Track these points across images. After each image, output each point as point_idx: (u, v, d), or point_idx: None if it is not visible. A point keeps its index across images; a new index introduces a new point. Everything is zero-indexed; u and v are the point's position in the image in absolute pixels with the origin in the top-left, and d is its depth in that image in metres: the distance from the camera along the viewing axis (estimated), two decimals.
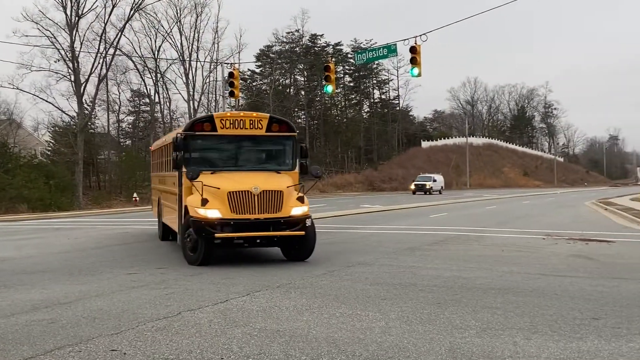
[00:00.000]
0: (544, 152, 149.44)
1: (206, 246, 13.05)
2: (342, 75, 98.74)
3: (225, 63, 49.37)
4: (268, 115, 14.86)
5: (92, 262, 14.23)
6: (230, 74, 29.02)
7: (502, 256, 14.93)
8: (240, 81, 38.10)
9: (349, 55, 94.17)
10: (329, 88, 26.79)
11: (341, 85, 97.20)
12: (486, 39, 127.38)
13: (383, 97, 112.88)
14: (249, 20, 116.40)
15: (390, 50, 25.68)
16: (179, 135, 13.96)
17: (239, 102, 54.33)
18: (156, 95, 66.79)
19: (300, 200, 13.58)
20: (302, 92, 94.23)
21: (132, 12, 51.62)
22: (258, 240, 13.22)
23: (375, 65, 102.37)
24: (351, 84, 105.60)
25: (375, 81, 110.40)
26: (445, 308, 8.96)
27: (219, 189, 13.00)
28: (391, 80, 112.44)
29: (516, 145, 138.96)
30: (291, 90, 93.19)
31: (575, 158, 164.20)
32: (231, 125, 14.10)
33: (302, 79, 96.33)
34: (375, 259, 14.38)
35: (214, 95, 69.50)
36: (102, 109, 66.65)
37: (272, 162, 14.79)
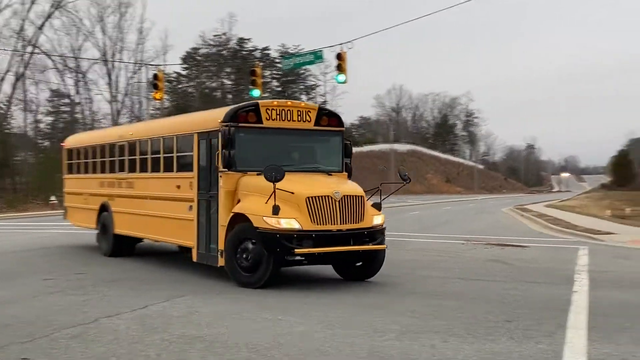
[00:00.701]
0: (465, 159, 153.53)
1: (275, 264, 10.70)
2: (269, 80, 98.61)
3: (150, 65, 48.55)
4: (317, 105, 12.85)
5: (7, 268, 13.71)
6: (155, 76, 28.53)
7: (423, 261, 15.26)
8: (166, 83, 37.58)
9: (277, 60, 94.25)
10: (256, 92, 26.70)
11: (268, 90, 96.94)
12: (414, 47, 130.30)
13: (310, 102, 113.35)
14: (175, 22, 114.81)
15: (317, 56, 25.89)
16: (224, 127, 11.27)
17: (163, 104, 53.49)
18: (77, 95, 64.88)
19: (377, 207, 11.83)
20: (229, 96, 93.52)
21: (52, 9, 50.03)
22: (341, 257, 11.19)
23: (302, 71, 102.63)
24: (278, 89, 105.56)
25: (302, 86, 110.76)
26: (367, 312, 9.09)
27: (292, 193, 10.62)
28: (318, 86, 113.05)
29: (439, 152, 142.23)
30: (218, 93, 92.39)
31: (494, 165, 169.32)
32: (277, 116, 11.83)
33: (229, 82, 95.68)
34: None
35: (138, 97, 68.09)
36: (19, 108, 64.12)
37: (321, 162, 12.60)
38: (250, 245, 10.74)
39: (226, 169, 11.29)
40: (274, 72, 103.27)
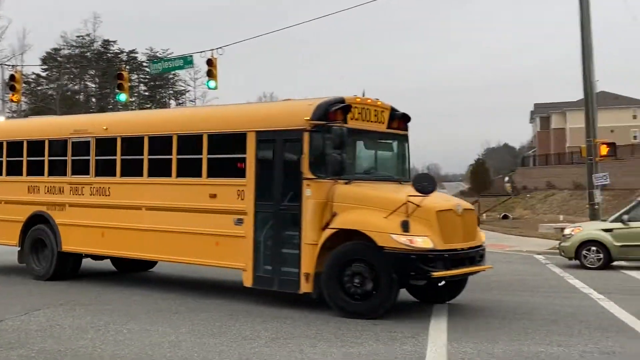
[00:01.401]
0: None
1: (397, 289, 9.19)
2: (137, 84, 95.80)
3: (6, 65, 45.65)
4: (390, 105, 10.78)
5: None
6: (12, 77, 26.85)
7: None
8: (24, 85, 35.53)
9: (144, 64, 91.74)
10: (123, 96, 25.87)
11: (136, 94, 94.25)
12: (286, 54, 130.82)
13: (180, 107, 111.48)
14: (35, 20, 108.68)
15: (187, 61, 25.49)
16: (314, 126, 9.44)
17: (21, 107, 50.50)
18: None
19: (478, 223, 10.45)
20: (94, 99, 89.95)
21: None
22: (458, 278, 9.80)
23: (171, 76, 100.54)
24: (146, 93, 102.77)
25: (171, 91, 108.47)
26: (237, 320, 9.06)
27: (418, 206, 9.01)
28: (188, 91, 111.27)
29: None
30: (81, 96, 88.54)
31: None
32: (359, 115, 10.07)
33: (94, 85, 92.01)
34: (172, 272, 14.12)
35: None
36: None
37: (392, 169, 11.03)
38: (363, 268, 9.00)
39: (315, 177, 9.45)
40: (142, 76, 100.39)
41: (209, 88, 24.74)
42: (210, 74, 23.49)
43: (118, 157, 11.49)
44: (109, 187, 11.60)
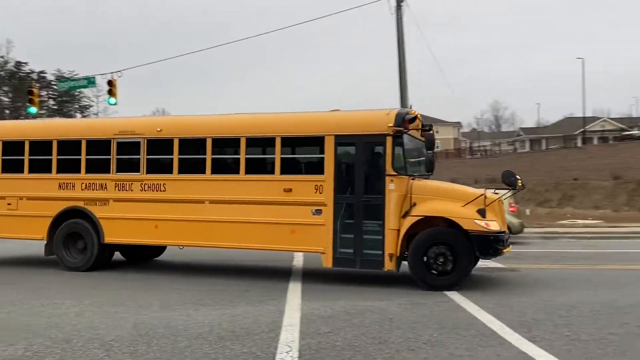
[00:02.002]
0: None
1: (472, 265, 9.38)
2: (46, 99, 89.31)
3: None
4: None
5: None
6: None
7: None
8: None
9: (53, 82, 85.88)
10: (33, 109, 24.34)
11: (45, 107, 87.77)
12: (181, 75, 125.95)
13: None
14: None
15: (90, 82, 24.64)
16: (397, 131, 9.27)
17: None
18: None
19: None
20: (7, 111, 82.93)
21: None
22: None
23: (77, 93, 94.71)
24: (55, 107, 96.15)
25: (77, 106, 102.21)
26: (134, 291, 8.92)
27: (485, 196, 9.13)
28: (92, 106, 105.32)
29: None
30: None
31: None
32: (411, 124, 10.03)
33: (7, 99, 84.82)
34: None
35: None
36: None
37: (423, 167, 10.55)
38: (445, 249, 8.98)
39: (397, 173, 9.26)
40: (51, 92, 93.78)
41: (110, 104, 24.16)
42: (111, 93, 22.68)
43: (175, 157, 10.52)
44: (164, 184, 10.59)
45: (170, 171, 10.56)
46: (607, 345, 5.95)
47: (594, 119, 70.53)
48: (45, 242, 11.20)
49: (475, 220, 8.95)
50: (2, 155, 11.75)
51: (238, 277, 10.36)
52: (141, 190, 10.73)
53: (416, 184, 9.40)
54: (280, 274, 10.67)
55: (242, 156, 10.05)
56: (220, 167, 10.40)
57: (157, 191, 10.64)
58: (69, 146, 11.32)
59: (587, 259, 12.94)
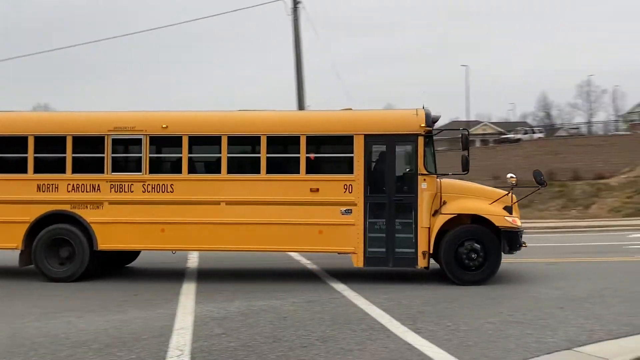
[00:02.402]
0: None
1: (500, 259, 9.40)
2: None
3: None
4: None
5: None
6: None
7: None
8: None
9: None
10: None
11: None
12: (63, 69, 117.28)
13: None
14: None
15: None
16: (428, 132, 9.38)
17: None
18: None
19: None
20: None
21: None
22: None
23: None
24: None
25: None
26: (8, 302, 8.28)
27: (508, 194, 9.53)
28: None
29: None
30: None
31: None
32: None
33: None
34: None
35: None
36: None
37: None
38: (475, 245, 9.19)
39: (428, 172, 9.32)
40: None
41: None
42: None
43: (184, 155, 9.71)
44: (171, 184, 9.72)
45: (178, 171, 9.78)
46: (483, 334, 6.40)
47: (476, 122, 75.53)
48: (20, 251, 9.81)
49: (505, 217, 9.30)
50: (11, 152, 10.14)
51: (127, 280, 9.96)
52: (143, 192, 9.74)
53: (445, 183, 9.62)
54: (173, 276, 10.39)
55: (263, 155, 9.57)
56: (238, 167, 9.84)
57: (163, 192, 9.73)
58: (51, 143, 10.03)
59: None
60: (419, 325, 6.74)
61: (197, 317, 7.19)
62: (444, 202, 9.40)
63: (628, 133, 58.49)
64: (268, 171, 9.56)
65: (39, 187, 9.84)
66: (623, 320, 6.89)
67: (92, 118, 10.33)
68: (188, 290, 8.99)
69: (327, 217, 9.42)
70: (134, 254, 11.61)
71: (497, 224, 9.24)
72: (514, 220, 9.38)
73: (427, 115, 9.53)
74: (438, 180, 9.55)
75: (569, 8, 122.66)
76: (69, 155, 9.83)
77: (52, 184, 9.87)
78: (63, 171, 9.85)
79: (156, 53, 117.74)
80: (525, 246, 9.60)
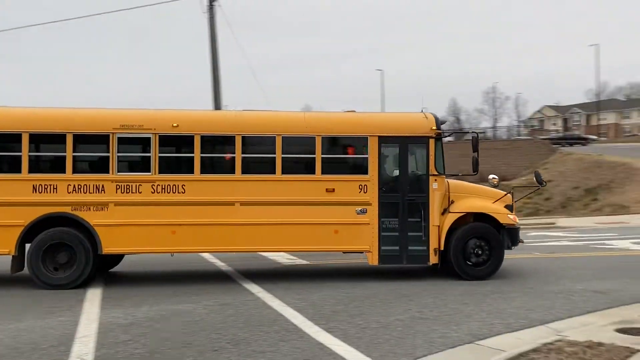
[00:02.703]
0: None
1: (504, 254, 9.91)
2: None
3: None
4: None
5: None
6: None
7: None
8: None
9: None
10: None
11: None
12: None
13: None
14: None
15: None
16: (438, 134, 9.86)
17: None
18: None
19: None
20: None
21: None
22: None
23: None
24: None
25: None
26: None
27: (508, 194, 10.42)
28: None
29: None
30: None
31: None
32: None
33: None
34: None
35: None
36: None
37: None
38: (480, 242, 9.75)
39: (439, 173, 9.75)
40: None
41: None
42: None
43: (197, 155, 9.41)
44: (182, 185, 9.38)
45: (190, 171, 9.47)
46: (392, 331, 6.59)
47: None
48: (12, 256, 9.13)
49: (508, 215, 9.94)
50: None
51: (26, 287, 9.35)
52: (153, 192, 9.34)
53: (452, 183, 10.15)
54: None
55: (278, 156, 9.55)
56: (252, 167, 9.68)
57: (174, 193, 9.40)
58: (48, 141, 9.40)
59: None
60: (331, 325, 6.82)
61: (101, 324, 6.87)
62: (452, 202, 9.90)
63: (529, 138, 62.54)
64: (283, 172, 9.58)
65: (34, 188, 9.15)
66: (521, 314, 7.33)
67: (95, 115, 9.67)
68: (93, 297, 8.58)
69: (343, 217, 9.63)
70: (119, 257, 11.06)
71: (501, 222, 9.86)
72: (514, 218, 10.03)
73: (437, 119, 10.01)
74: (448, 180, 10.09)
75: (480, 17, 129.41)
76: (69, 154, 9.22)
77: (50, 185, 9.19)
78: (63, 171, 9.22)
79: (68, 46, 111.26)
80: (523, 242, 10.33)
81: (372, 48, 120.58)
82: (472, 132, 10.52)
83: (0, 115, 9.42)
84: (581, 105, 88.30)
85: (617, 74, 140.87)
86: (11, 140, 9.20)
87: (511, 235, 9.93)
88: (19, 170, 9.14)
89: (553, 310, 7.53)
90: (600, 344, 5.64)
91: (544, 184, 10.75)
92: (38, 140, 9.36)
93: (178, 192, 9.41)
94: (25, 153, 9.14)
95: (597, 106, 76.67)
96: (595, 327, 6.41)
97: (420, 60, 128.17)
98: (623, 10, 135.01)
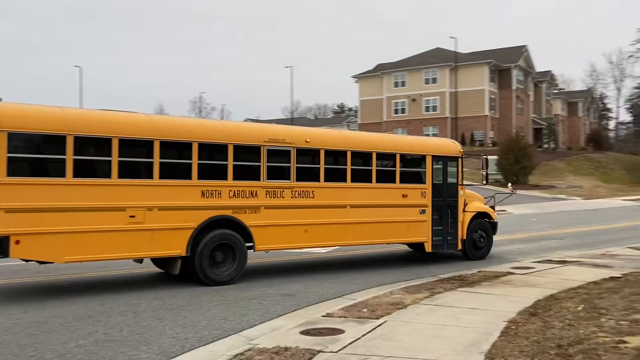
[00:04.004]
0: None
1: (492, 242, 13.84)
2: None
3: None
4: None
5: None
6: None
7: None
8: None
9: None
10: None
11: None
12: None
13: None
14: None
15: None
16: (463, 155, 13.64)
17: None
18: None
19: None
20: None
21: None
22: None
23: None
24: None
25: None
26: None
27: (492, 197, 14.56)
28: None
29: None
30: None
31: None
32: None
33: None
34: None
35: None
36: None
37: None
38: (482, 232, 13.42)
39: (462, 184, 13.20)
40: None
41: None
42: None
43: (322, 166, 11.26)
44: (312, 191, 11.11)
45: (317, 179, 11.20)
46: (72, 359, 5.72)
47: None
48: (181, 257, 9.58)
49: (495, 213, 13.88)
50: (120, 156, 8.96)
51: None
52: (292, 197, 10.86)
53: (465, 191, 13.30)
54: None
55: (374, 168, 11.96)
56: (357, 176, 11.74)
57: (306, 198, 11.05)
58: (213, 150, 10.07)
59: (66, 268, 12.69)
60: None
61: None
62: (466, 204, 13.27)
63: None
64: (377, 181, 12.01)
65: (203, 194, 9.85)
66: (215, 325, 7.21)
67: (249, 129, 11.30)
68: None
69: (412, 216, 12.43)
70: None
71: (493, 218, 13.71)
72: (495, 215, 13.87)
73: (459, 144, 13.66)
74: (464, 189, 13.33)
75: (189, 30, 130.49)
76: (230, 162, 10.13)
77: (216, 190, 9.99)
78: (225, 178, 10.08)
79: None
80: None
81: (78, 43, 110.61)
82: (483, 155, 14.44)
83: (175, 126, 9.92)
84: (278, 121, 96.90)
85: (307, 95, 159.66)
86: (183, 148, 9.74)
87: (495, 228, 13.79)
88: (189, 177, 9.69)
89: (247, 317, 7.62)
90: (286, 349, 5.82)
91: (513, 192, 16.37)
92: (204, 149, 9.90)
93: (309, 197, 11.09)
94: (195, 161, 9.74)
95: (292, 122, 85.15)
96: (283, 331, 6.64)
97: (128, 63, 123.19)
98: (312, 32, 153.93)
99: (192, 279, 9.86)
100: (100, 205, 8.75)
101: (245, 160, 10.41)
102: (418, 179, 12.66)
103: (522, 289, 9.24)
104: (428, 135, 63.74)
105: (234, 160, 10.10)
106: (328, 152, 11.33)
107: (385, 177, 12.17)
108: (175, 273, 9.82)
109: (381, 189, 12.00)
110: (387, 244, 13.12)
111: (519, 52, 65.30)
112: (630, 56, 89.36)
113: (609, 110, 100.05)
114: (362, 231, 11.66)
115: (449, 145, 13.37)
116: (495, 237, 13.92)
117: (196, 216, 9.69)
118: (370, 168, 11.86)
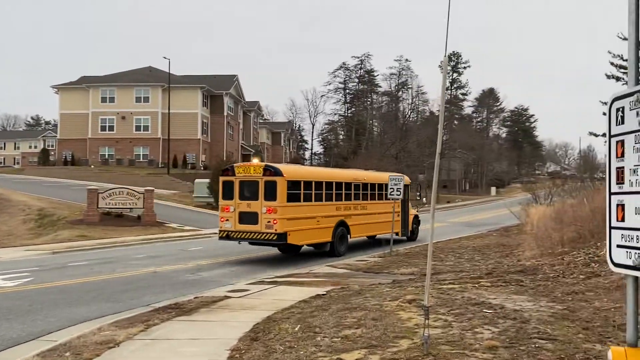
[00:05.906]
0: None
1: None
2: None
3: None
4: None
5: None
6: None
7: None
8: None
9: None
10: None
11: None
12: None
13: None
14: None
15: None
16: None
17: None
18: None
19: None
20: None
21: None
22: None
23: None
24: None
25: None
26: None
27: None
28: None
29: None
30: None
31: None
32: None
33: None
34: None
35: None
36: None
37: None
38: (415, 226, 24.14)
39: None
40: None
41: None
42: None
43: (368, 192, 20.51)
44: (365, 205, 20.17)
45: (366, 199, 20.69)
46: None
47: None
48: (329, 242, 18.18)
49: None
50: (315, 189, 17.89)
51: None
52: (361, 209, 20.09)
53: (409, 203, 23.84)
54: None
55: (376, 192, 21.27)
56: (372, 197, 20.97)
57: (363, 209, 20.28)
58: (337, 186, 18.91)
59: None
60: None
61: None
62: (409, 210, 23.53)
63: None
64: (381, 198, 21.17)
65: (336, 208, 18.97)
66: None
67: (347, 174, 20.89)
68: None
69: (390, 218, 20.30)
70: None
71: (419, 217, 24.18)
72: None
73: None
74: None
75: None
76: (343, 191, 19.66)
77: (339, 207, 19.16)
78: (341, 199, 19.49)
79: None
80: None
81: None
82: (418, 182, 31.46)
83: (321, 173, 19.82)
84: None
85: None
86: (327, 184, 18.75)
87: (419, 222, 24.04)
88: (331, 200, 18.84)
89: None
90: None
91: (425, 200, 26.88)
92: (339, 185, 19.40)
93: (364, 209, 20.67)
94: (334, 191, 19.01)
95: None
96: None
97: None
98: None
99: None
100: (308, 216, 17.18)
101: (346, 190, 19.22)
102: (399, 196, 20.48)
103: (240, 312, 9.19)
104: (139, 154, 61.41)
105: (346, 190, 19.22)
106: (367, 185, 20.58)
107: (381, 197, 20.97)
108: (326, 250, 18.22)
109: (384, 204, 20.52)
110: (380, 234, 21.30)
111: (231, 80, 68.45)
112: (323, 96, 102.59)
113: (305, 142, 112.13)
114: (379, 225, 20.69)
115: (407, 179, 22.24)
116: (208, 262, 16.82)
117: (333, 220, 18.32)
118: (380, 192, 20.92)
